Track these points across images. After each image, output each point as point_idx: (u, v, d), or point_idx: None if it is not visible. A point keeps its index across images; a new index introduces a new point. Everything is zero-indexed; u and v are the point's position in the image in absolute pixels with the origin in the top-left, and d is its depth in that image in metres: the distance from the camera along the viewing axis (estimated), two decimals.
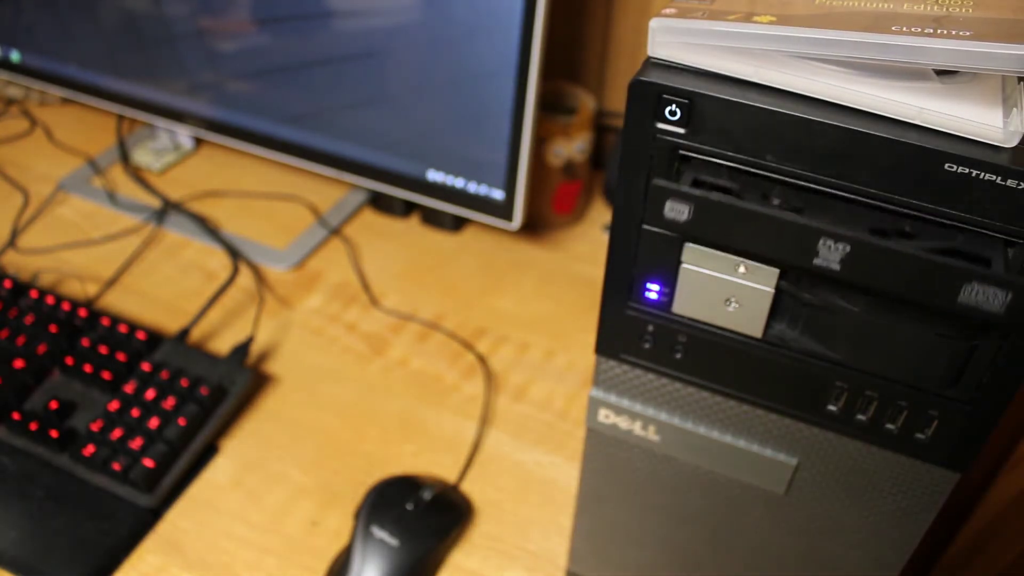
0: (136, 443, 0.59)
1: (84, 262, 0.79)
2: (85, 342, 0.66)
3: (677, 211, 0.33)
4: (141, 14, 0.78)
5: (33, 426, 0.60)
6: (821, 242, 0.31)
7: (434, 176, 0.74)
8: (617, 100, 0.86)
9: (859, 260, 0.31)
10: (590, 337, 0.72)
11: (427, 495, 0.57)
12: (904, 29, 0.31)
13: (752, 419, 0.38)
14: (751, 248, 0.33)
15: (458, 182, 0.73)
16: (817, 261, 0.31)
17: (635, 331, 0.38)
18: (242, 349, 0.66)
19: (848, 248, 0.31)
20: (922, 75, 0.32)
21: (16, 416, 0.61)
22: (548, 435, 0.64)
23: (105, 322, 0.68)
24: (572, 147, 0.77)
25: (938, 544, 0.56)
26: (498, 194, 0.72)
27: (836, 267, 0.31)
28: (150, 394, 0.62)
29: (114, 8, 0.79)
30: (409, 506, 0.56)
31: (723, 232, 0.33)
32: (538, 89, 0.65)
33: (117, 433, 0.60)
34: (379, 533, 0.54)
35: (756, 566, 0.45)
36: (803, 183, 0.35)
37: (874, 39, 0.30)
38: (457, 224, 0.83)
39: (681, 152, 0.36)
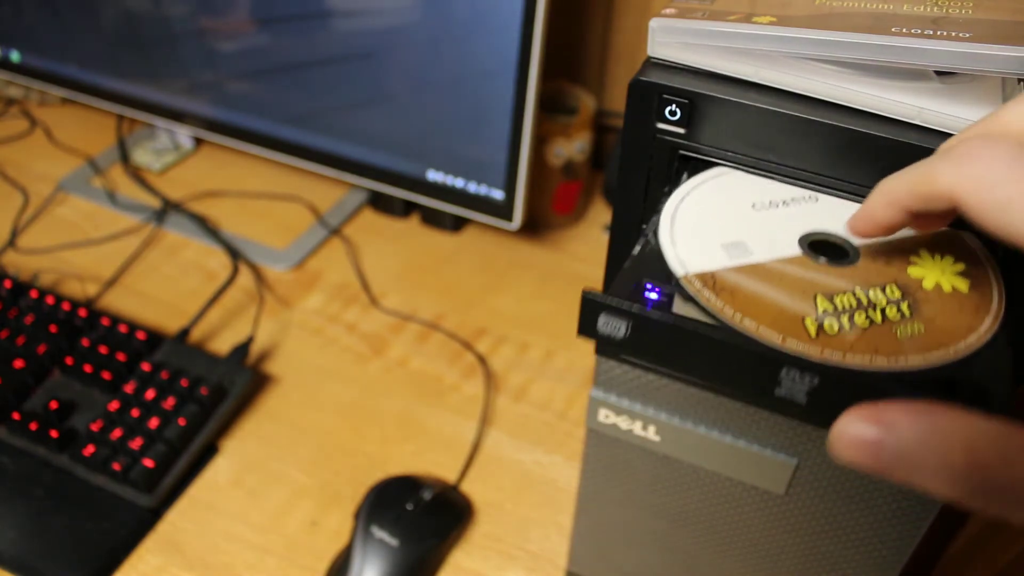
0: (136, 443, 0.59)
1: (84, 262, 0.79)
2: (85, 342, 0.66)
3: (613, 327, 0.30)
4: (141, 14, 0.78)
5: (33, 426, 0.60)
6: (784, 372, 0.26)
7: (434, 176, 0.74)
8: (617, 100, 0.86)
9: (831, 393, 0.26)
10: None
11: (427, 495, 0.57)
12: (903, 30, 0.31)
13: (752, 419, 0.38)
14: (697, 375, 0.28)
15: (458, 182, 0.73)
16: (779, 392, 0.27)
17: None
18: (242, 349, 0.66)
19: (817, 380, 0.26)
20: (922, 75, 0.32)
21: (16, 416, 0.61)
22: (548, 435, 0.64)
23: (105, 322, 0.68)
24: (572, 147, 0.77)
25: (938, 544, 0.56)
26: (498, 194, 0.72)
27: (802, 400, 0.27)
28: (150, 394, 0.62)
29: (114, 8, 0.79)
30: (409, 506, 0.56)
31: (663, 354, 0.29)
32: (538, 89, 0.65)
33: (117, 433, 0.60)
34: (379, 533, 0.54)
35: (756, 566, 0.45)
36: (803, 182, 0.35)
37: (874, 40, 0.30)
38: (457, 224, 0.83)
39: (681, 152, 0.36)
